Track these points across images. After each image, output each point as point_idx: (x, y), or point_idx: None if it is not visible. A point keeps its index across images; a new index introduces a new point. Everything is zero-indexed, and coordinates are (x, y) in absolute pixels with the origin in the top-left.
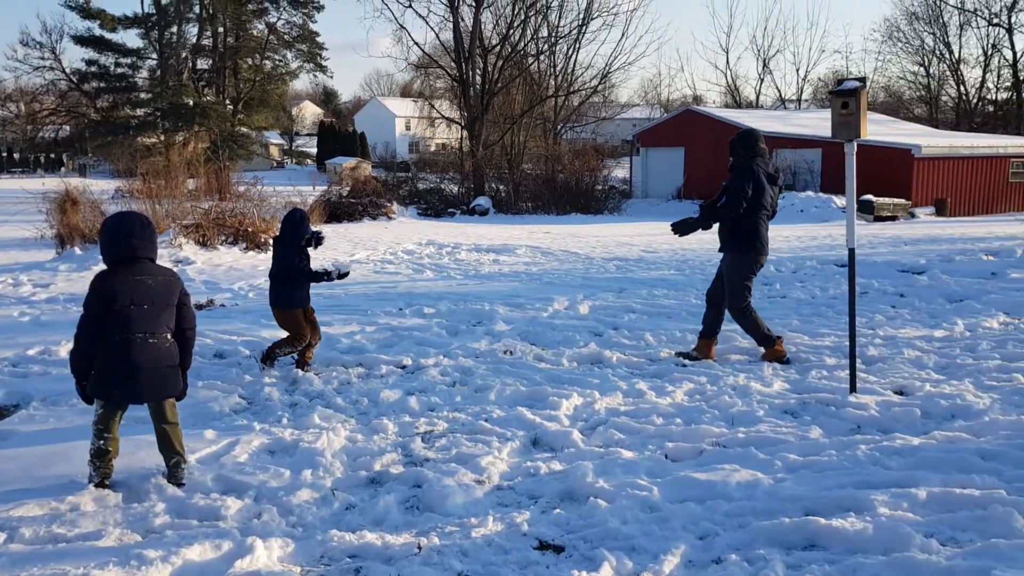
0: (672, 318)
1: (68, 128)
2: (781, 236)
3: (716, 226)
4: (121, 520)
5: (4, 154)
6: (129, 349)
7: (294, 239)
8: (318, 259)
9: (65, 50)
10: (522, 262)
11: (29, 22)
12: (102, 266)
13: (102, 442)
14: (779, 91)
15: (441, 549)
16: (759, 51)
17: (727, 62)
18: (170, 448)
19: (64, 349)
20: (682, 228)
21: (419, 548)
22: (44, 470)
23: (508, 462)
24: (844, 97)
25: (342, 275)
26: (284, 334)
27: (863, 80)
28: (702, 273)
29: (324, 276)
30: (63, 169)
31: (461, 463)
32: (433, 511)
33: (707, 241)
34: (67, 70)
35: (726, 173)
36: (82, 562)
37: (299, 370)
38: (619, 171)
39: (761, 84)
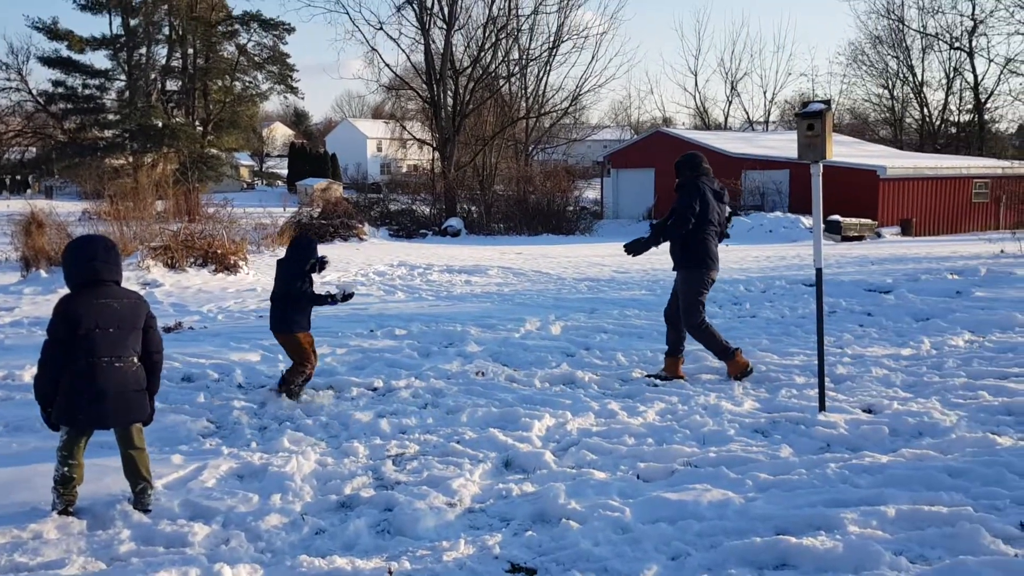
0: (644, 338)
1: (34, 149)
2: (750, 256)
3: (667, 245)
4: (85, 548)
5: None
6: (95, 373)
7: (300, 263)
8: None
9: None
10: (494, 283)
11: None
12: (66, 290)
13: (66, 469)
14: (747, 113)
15: (412, 573)
16: (727, 74)
17: (696, 84)
18: (136, 474)
19: (28, 374)
20: (634, 248)
21: (390, 572)
22: (5, 497)
23: (480, 484)
24: (810, 119)
25: (347, 297)
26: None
27: (828, 103)
28: None
29: (328, 299)
30: (29, 191)
31: (432, 486)
32: (404, 535)
33: None
34: (34, 91)
35: None
36: None
37: (282, 395)
38: (590, 192)
39: (729, 106)
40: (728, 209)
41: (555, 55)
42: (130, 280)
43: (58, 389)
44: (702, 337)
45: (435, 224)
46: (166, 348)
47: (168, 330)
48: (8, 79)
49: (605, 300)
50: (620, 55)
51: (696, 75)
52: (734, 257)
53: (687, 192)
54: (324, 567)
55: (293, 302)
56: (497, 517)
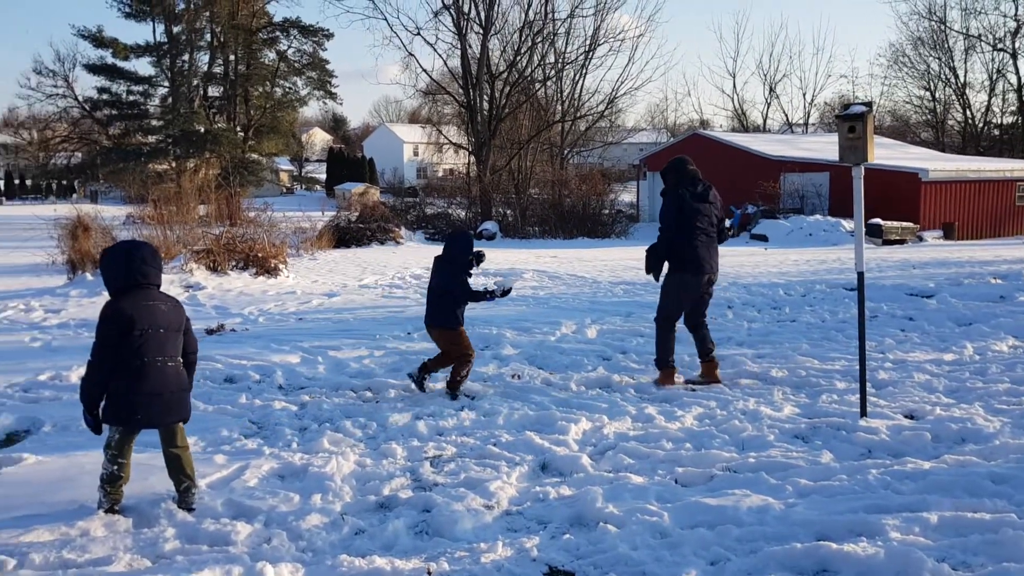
0: (680, 342)
1: (80, 155)
2: (790, 260)
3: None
4: (131, 545)
5: (17, 181)
6: (149, 374)
7: (461, 258)
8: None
9: (78, 78)
10: (529, 286)
11: (43, 51)
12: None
13: (115, 467)
14: (786, 115)
15: (450, 574)
16: (766, 76)
17: (734, 86)
18: (181, 472)
19: (75, 375)
20: (650, 268)
21: (429, 573)
22: (54, 495)
23: (517, 487)
24: (851, 121)
25: (505, 292)
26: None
27: (869, 104)
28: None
29: (487, 295)
30: (75, 196)
31: (470, 488)
32: (442, 536)
33: None
34: (80, 98)
35: (734, 196)
36: None
37: (450, 392)
38: (626, 195)
39: (768, 108)
40: (717, 209)
41: (591, 58)
42: (174, 283)
43: (107, 391)
44: (658, 333)
45: (470, 227)
46: (209, 350)
47: (210, 332)
48: (55, 86)
49: (641, 304)
50: (657, 57)
51: (734, 77)
52: (773, 261)
53: (665, 203)
54: (364, 567)
55: (454, 298)
56: (534, 520)
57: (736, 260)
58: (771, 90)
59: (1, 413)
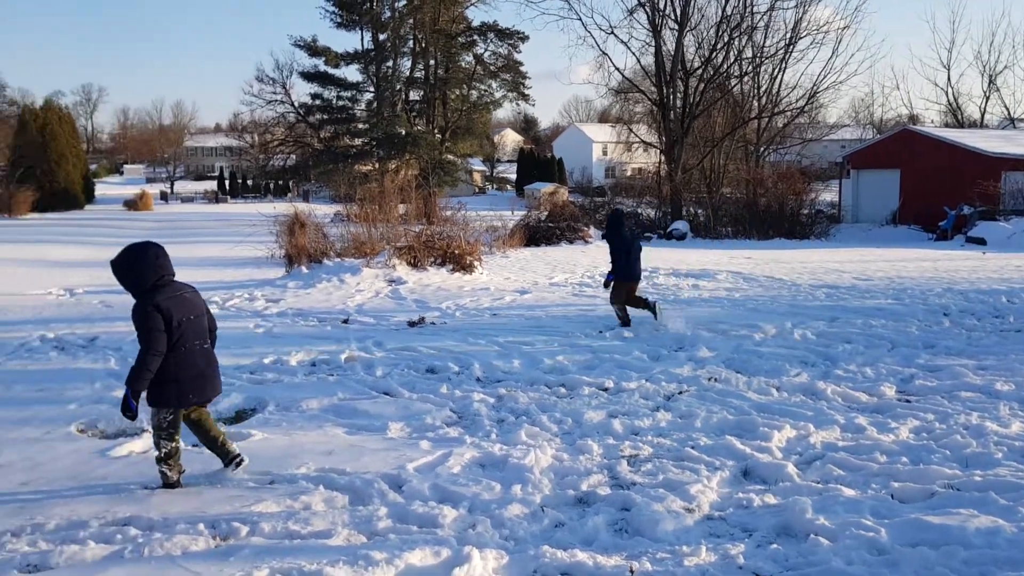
0: (893, 351)
1: (295, 157)
2: (1012, 265)
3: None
4: (348, 521)
5: (240, 181)
6: (194, 357)
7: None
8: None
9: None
10: (723, 287)
11: (264, 60)
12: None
13: (173, 444)
14: (1008, 109)
15: (653, 575)
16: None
17: (948, 79)
18: (214, 432)
19: (294, 359)
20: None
21: (631, 572)
22: (280, 469)
23: (718, 492)
24: None
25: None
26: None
27: None
28: (923, 303)
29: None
30: (289, 195)
31: (669, 489)
32: (642, 535)
33: (926, 270)
34: (295, 103)
35: (946, 197)
36: (315, 559)
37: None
38: (827, 194)
39: (987, 102)
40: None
41: (791, 52)
42: (378, 277)
43: (155, 379)
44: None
45: (660, 227)
46: (411, 341)
47: (412, 324)
48: (274, 92)
49: (847, 308)
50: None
51: (949, 69)
52: (992, 266)
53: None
54: (566, 559)
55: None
56: (738, 527)
57: (951, 265)
58: (991, 82)
59: (231, 392)
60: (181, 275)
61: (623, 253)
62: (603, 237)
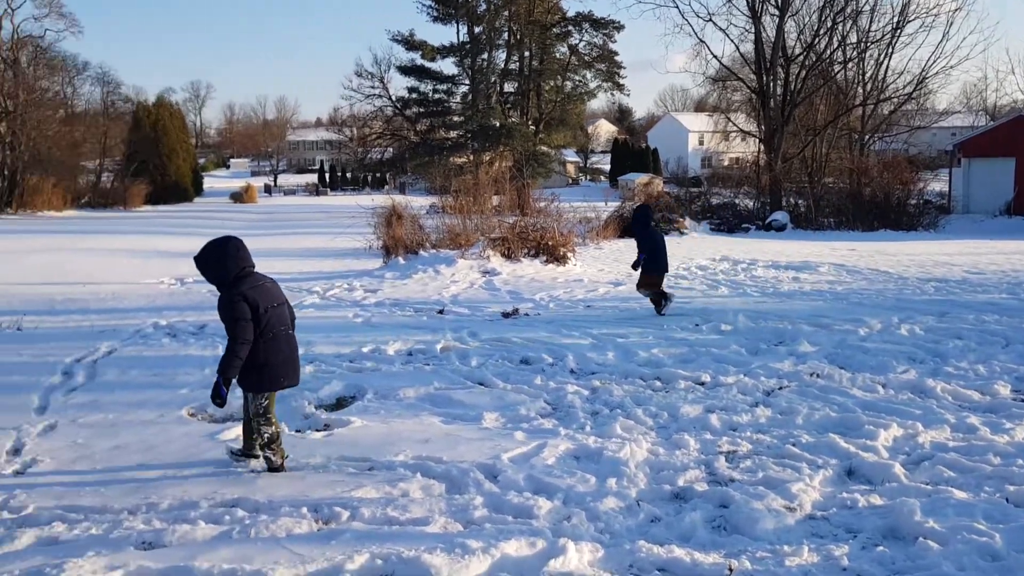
0: (1008, 348)
1: (392, 150)
2: None
3: None
4: (445, 509)
5: (339, 173)
6: (283, 344)
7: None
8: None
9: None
10: (825, 280)
11: (363, 55)
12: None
13: (273, 427)
14: None
15: (753, 574)
16: None
17: None
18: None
19: (392, 348)
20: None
21: (730, 570)
22: (379, 456)
23: (820, 491)
24: None
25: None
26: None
27: None
28: None
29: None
30: (386, 187)
31: (769, 487)
32: (741, 533)
33: None
34: (392, 97)
35: None
36: (413, 545)
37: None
38: (936, 184)
39: None
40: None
41: (899, 36)
42: (472, 268)
43: (246, 366)
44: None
45: (758, 218)
46: (505, 332)
47: (506, 315)
48: (373, 87)
49: (957, 303)
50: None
51: None
52: None
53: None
54: (662, 555)
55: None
56: (842, 527)
57: None
58: None
59: (332, 380)
60: (285, 265)
61: (650, 248)
62: (629, 230)
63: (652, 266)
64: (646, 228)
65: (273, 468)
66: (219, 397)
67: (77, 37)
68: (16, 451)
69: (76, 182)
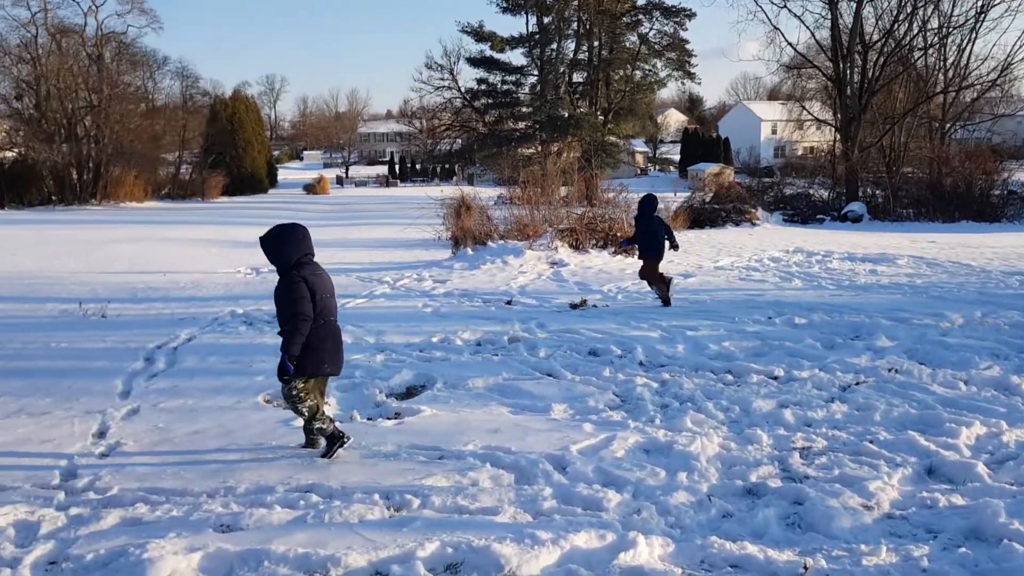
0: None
1: (460, 141)
2: None
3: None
4: (514, 499)
5: (408, 165)
6: (332, 331)
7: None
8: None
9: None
10: (904, 273)
11: (433, 47)
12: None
13: (311, 402)
14: None
15: (829, 573)
16: None
17: None
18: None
19: (459, 339)
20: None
21: (805, 568)
22: (449, 445)
23: (899, 490)
24: None
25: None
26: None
27: None
28: None
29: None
30: (455, 178)
31: (846, 485)
32: (816, 531)
33: None
34: (462, 89)
35: None
36: (482, 534)
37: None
38: (1021, 174)
39: None
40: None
41: (982, 21)
42: (540, 259)
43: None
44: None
45: (834, 209)
46: (573, 323)
47: (574, 306)
48: (442, 79)
49: None
50: None
51: None
52: None
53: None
54: (735, 551)
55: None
56: (921, 527)
57: None
58: None
59: (402, 369)
60: (356, 255)
61: (643, 232)
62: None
63: (649, 251)
64: (646, 217)
65: (329, 436)
66: (286, 373)
67: (157, 33)
68: (102, 434)
69: (156, 174)
